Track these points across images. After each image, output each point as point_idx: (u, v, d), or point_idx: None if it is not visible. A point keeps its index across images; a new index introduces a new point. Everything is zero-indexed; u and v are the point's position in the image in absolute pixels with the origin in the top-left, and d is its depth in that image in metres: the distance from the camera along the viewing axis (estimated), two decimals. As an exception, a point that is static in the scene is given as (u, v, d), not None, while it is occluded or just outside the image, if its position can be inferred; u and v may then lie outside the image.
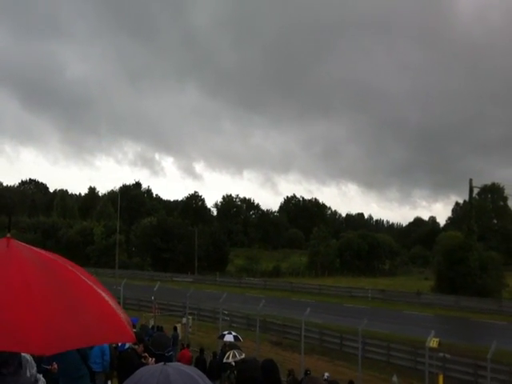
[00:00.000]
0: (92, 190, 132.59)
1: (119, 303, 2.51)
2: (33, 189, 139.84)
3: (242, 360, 5.48)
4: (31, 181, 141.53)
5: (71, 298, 2.26)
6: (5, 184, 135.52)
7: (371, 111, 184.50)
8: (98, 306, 2.32)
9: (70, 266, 2.52)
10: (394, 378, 24.47)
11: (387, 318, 36.93)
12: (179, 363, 6.60)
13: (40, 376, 2.47)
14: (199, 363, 18.61)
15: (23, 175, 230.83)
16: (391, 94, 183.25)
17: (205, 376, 5.51)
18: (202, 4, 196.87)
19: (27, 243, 2.54)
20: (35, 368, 2.49)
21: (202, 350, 21.90)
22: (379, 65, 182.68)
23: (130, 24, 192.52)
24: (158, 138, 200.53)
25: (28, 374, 2.37)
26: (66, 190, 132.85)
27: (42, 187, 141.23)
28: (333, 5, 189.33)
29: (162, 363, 5.32)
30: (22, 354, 2.59)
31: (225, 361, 17.95)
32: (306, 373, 17.13)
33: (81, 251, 77.96)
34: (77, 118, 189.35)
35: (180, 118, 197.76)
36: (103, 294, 2.42)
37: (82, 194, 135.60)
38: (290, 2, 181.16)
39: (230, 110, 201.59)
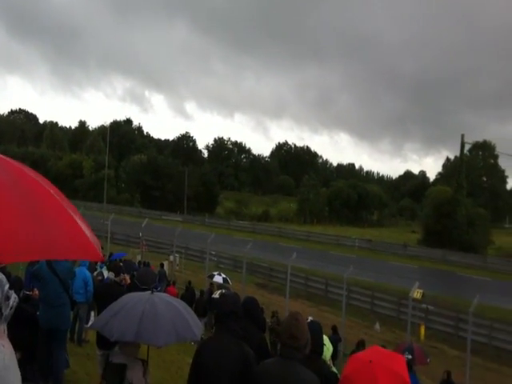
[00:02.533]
0: (82, 123, 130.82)
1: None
2: (22, 119, 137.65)
3: (221, 294, 5.22)
4: (21, 111, 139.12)
5: (34, 209, 2.19)
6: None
7: (365, 59, 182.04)
8: (63, 221, 2.27)
9: (41, 180, 2.42)
10: (377, 326, 24.81)
11: (373, 268, 37.17)
12: (166, 294, 6.11)
13: (11, 292, 2.46)
14: (185, 300, 18.55)
15: (12, 105, 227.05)
16: (386, 42, 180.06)
17: (190, 309, 5.09)
18: None
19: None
20: (7, 286, 2.51)
21: (187, 288, 21.91)
22: (375, 12, 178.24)
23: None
24: (148, 74, 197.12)
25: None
26: (56, 122, 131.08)
27: (32, 118, 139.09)
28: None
29: (149, 292, 4.91)
30: None
31: (213, 296, 17.88)
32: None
33: (69, 184, 77.47)
34: (64, 48, 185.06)
35: (170, 54, 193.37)
36: (70, 212, 2.36)
37: (72, 128, 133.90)
38: None
39: (221, 50, 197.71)
